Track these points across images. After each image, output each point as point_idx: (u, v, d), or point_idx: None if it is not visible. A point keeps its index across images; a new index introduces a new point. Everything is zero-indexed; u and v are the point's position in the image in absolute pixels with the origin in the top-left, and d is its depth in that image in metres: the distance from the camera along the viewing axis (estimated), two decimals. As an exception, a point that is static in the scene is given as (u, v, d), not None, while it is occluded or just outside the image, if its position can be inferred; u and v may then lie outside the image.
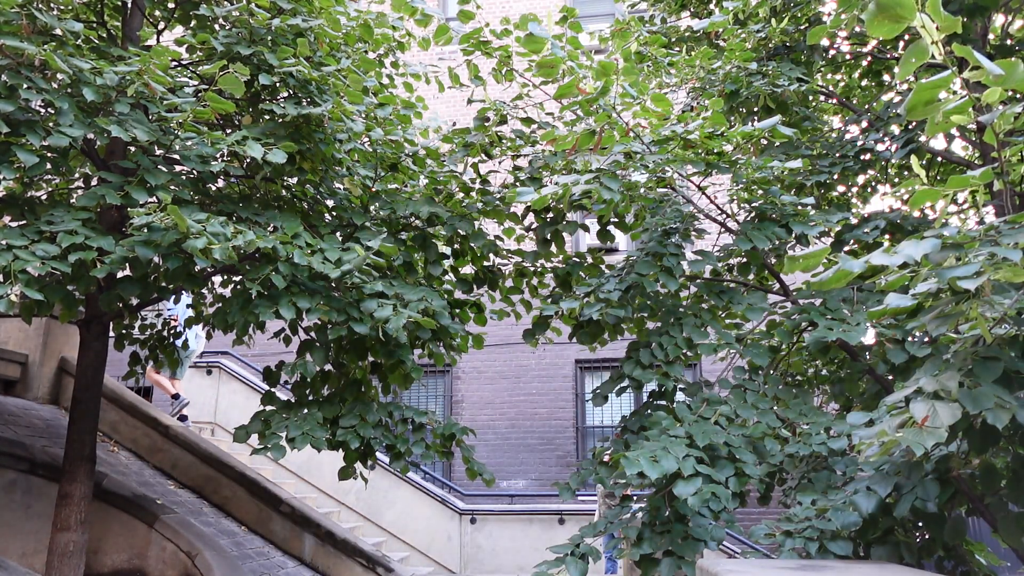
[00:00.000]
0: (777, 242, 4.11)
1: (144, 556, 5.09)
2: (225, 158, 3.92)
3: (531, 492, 10.29)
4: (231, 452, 7.57)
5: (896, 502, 2.72)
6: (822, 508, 3.13)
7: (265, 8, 3.93)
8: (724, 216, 4.67)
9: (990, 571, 3.28)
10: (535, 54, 3.94)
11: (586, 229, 4.66)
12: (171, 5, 4.51)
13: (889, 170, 6.39)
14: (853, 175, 5.39)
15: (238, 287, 3.96)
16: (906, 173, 6.33)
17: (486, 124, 4.66)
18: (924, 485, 2.68)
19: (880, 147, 5.06)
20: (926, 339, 3.55)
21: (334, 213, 4.62)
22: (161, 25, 4.65)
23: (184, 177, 4.04)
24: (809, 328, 3.92)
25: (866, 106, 6.21)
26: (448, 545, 9.22)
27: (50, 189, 4.77)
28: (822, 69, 6.15)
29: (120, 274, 4.46)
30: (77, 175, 4.83)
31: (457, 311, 4.66)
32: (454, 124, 5.08)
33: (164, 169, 3.68)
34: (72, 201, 4.83)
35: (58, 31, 3.68)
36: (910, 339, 3.58)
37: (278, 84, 3.94)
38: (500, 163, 4.97)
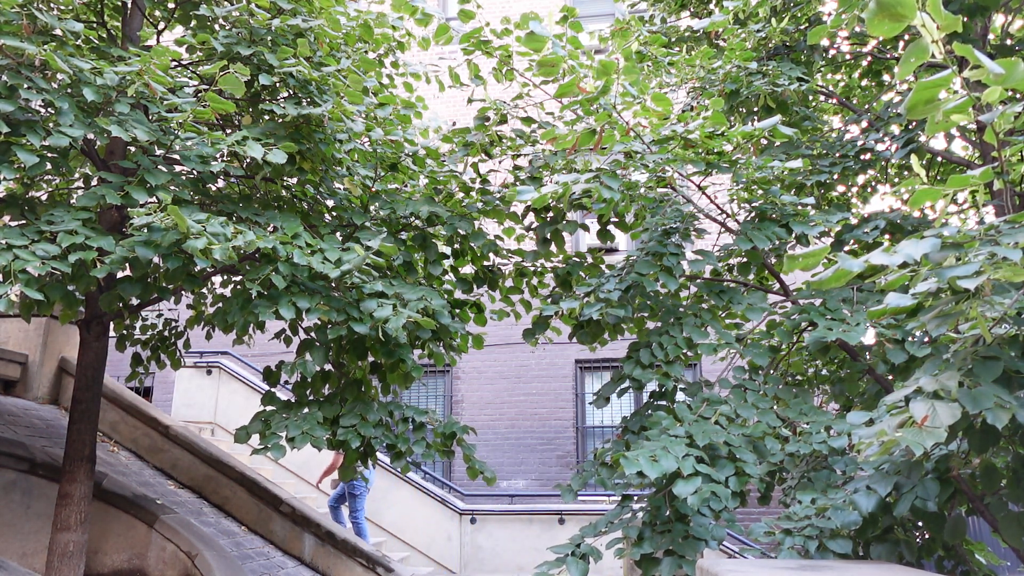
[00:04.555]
0: (777, 242, 4.11)
1: (144, 556, 5.09)
2: (225, 158, 3.92)
3: (531, 492, 10.30)
4: (231, 452, 7.57)
5: (896, 501, 2.72)
6: (822, 507, 3.14)
7: (265, 8, 3.93)
8: (724, 216, 4.67)
9: (990, 571, 3.28)
10: (536, 53, 3.94)
11: (586, 229, 4.66)
12: (171, 5, 4.51)
13: (889, 170, 6.39)
14: (853, 175, 5.39)
15: (238, 287, 3.96)
16: (906, 173, 6.33)
17: (486, 124, 4.66)
18: (924, 484, 2.68)
19: (880, 147, 5.06)
20: (926, 339, 3.55)
21: (334, 213, 4.62)
22: (161, 25, 4.65)
23: (184, 177, 4.04)
24: (809, 328, 3.92)
25: (866, 106, 6.21)
26: (448, 545, 9.22)
27: (50, 189, 4.77)
28: (822, 69, 6.15)
29: (120, 274, 4.46)
30: (77, 175, 4.83)
31: (457, 311, 4.66)
32: (454, 124, 5.08)
33: (164, 169, 3.68)
34: (72, 201, 4.83)
35: (58, 31, 3.68)
36: (910, 339, 3.58)
37: (278, 84, 3.94)
38: (500, 163, 4.98)
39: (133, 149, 4.15)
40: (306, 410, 4.09)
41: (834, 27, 3.89)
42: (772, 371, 4.47)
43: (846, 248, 4.68)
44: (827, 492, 3.36)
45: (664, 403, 4.24)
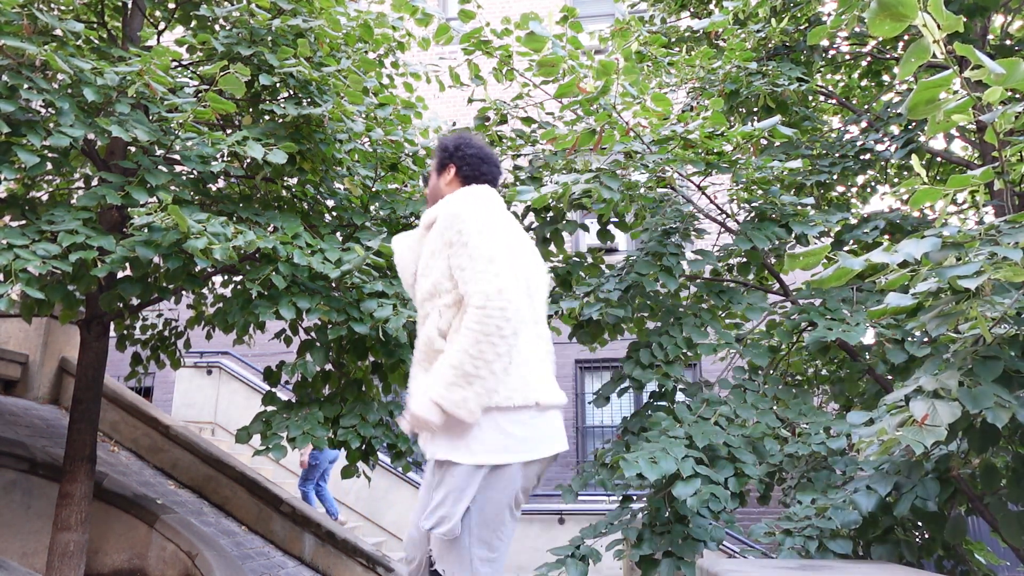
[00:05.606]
0: (777, 242, 4.11)
1: (144, 556, 5.09)
2: (225, 158, 3.92)
3: (531, 492, 10.26)
4: (231, 452, 7.58)
5: (896, 501, 2.73)
6: (822, 507, 3.14)
7: (265, 8, 3.93)
8: (724, 216, 4.67)
9: (989, 570, 3.28)
10: (536, 53, 3.95)
11: (586, 229, 4.66)
12: (171, 5, 4.51)
13: (889, 170, 6.39)
14: (853, 175, 5.39)
15: (238, 287, 3.96)
16: (906, 173, 6.34)
17: (486, 124, 4.66)
18: (924, 484, 2.68)
19: (880, 147, 5.07)
20: (926, 339, 3.55)
21: (334, 213, 4.62)
22: (161, 25, 4.65)
23: (184, 177, 4.04)
24: (809, 328, 3.93)
25: (866, 106, 6.22)
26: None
27: (51, 189, 4.77)
28: (822, 69, 6.16)
29: (120, 274, 4.46)
30: (77, 175, 4.83)
31: (457, 311, 4.65)
32: (454, 124, 5.09)
33: (164, 169, 3.68)
34: (73, 201, 4.83)
35: (59, 31, 3.68)
36: (910, 339, 3.58)
37: (278, 84, 3.94)
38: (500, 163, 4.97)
39: (133, 149, 4.15)
40: (307, 410, 4.09)
41: (834, 27, 3.89)
42: (772, 371, 4.47)
43: (846, 248, 4.68)
44: (827, 492, 3.36)
45: (664, 403, 4.24)
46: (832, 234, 4.80)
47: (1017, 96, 4.38)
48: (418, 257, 2.15)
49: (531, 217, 4.76)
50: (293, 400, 4.27)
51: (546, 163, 4.50)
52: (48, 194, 4.77)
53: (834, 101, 6.31)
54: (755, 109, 5.38)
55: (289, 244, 3.58)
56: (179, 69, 4.26)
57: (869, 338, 3.98)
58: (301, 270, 3.57)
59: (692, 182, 4.50)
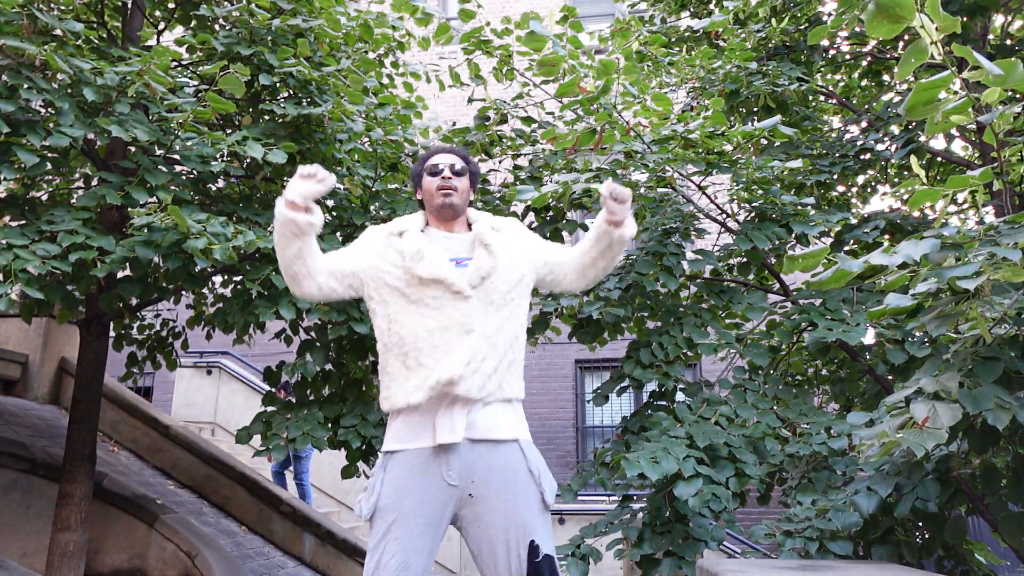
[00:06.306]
0: (777, 242, 4.11)
1: (144, 556, 5.09)
2: (225, 158, 3.92)
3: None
4: (231, 452, 7.57)
5: (896, 502, 2.73)
6: (822, 508, 3.14)
7: (265, 8, 3.93)
8: (724, 216, 4.67)
9: (990, 571, 3.28)
10: (536, 53, 3.94)
11: (586, 229, 4.66)
12: (171, 5, 4.51)
13: (889, 170, 6.39)
14: (853, 175, 5.39)
15: (238, 287, 3.96)
16: (906, 173, 6.33)
17: (486, 123, 4.66)
18: (924, 485, 2.68)
19: (880, 147, 5.06)
20: (926, 339, 3.55)
21: (334, 213, 4.62)
22: (161, 25, 4.65)
23: (184, 177, 4.04)
24: (809, 328, 3.93)
25: (866, 106, 6.21)
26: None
27: (50, 189, 4.76)
28: (822, 69, 6.15)
29: (120, 274, 4.46)
30: (77, 175, 4.82)
31: (457, 311, 4.64)
32: (454, 124, 5.08)
33: (164, 169, 3.68)
34: (72, 201, 4.83)
35: (59, 31, 3.68)
36: (910, 339, 3.58)
37: (278, 84, 3.94)
38: (500, 162, 4.97)
39: (133, 149, 4.15)
40: (307, 410, 4.09)
41: (834, 27, 3.89)
42: (772, 371, 4.47)
43: (846, 248, 4.68)
44: (827, 493, 3.36)
45: (664, 403, 4.24)
46: (832, 234, 4.79)
47: (1016, 96, 4.37)
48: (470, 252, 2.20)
49: (531, 217, 4.76)
50: (293, 400, 4.27)
51: (546, 163, 4.49)
52: (48, 194, 4.77)
53: (834, 101, 6.30)
54: (755, 109, 5.38)
55: (289, 244, 3.57)
56: (179, 69, 4.26)
57: (869, 338, 3.98)
58: (301, 270, 3.56)
59: (692, 182, 4.50)
